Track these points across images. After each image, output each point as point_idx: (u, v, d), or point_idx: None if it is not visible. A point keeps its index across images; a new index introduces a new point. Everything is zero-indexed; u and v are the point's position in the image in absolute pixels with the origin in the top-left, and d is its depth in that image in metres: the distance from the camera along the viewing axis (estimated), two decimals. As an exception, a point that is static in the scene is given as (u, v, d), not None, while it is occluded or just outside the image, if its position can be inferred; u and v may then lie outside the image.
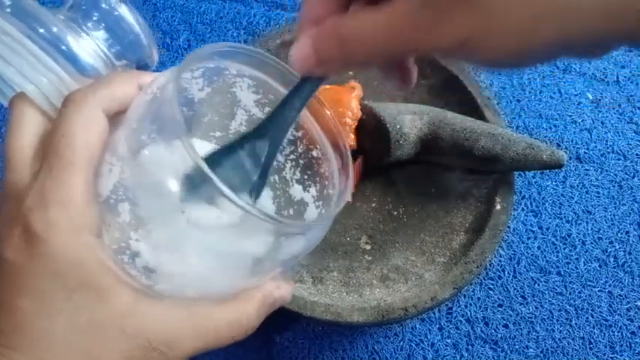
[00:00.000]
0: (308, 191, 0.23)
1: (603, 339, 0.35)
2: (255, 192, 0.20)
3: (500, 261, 0.37)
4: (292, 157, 0.24)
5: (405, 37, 0.15)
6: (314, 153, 0.23)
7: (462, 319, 0.36)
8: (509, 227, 0.38)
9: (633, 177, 0.40)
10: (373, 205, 0.36)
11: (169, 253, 0.18)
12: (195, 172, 0.16)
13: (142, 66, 0.23)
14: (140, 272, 0.18)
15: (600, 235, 0.38)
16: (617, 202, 0.39)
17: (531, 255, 0.38)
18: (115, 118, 0.19)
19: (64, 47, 0.20)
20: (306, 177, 0.24)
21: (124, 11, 0.22)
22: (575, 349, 0.35)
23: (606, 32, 0.13)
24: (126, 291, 0.18)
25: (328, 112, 0.22)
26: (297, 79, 0.20)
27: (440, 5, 0.14)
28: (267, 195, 0.23)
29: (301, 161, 0.23)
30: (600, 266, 0.37)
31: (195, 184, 0.17)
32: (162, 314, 0.18)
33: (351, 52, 0.16)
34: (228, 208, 0.16)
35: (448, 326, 0.35)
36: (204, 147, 0.22)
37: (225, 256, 0.19)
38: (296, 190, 0.24)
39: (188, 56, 0.18)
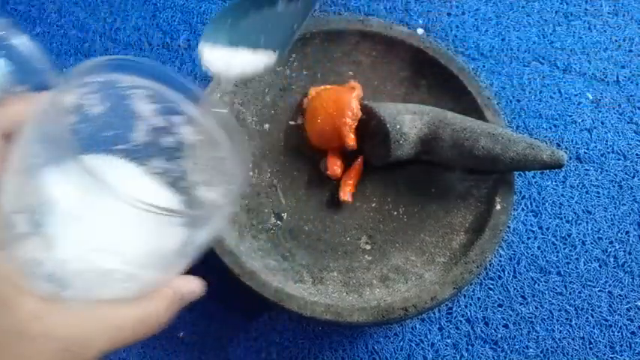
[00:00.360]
0: (214, 192, 0.24)
1: (603, 339, 0.35)
2: (281, 48, 0.22)
3: (500, 261, 0.37)
4: (197, 161, 0.24)
5: None
6: (217, 154, 0.23)
7: (462, 319, 0.36)
8: (509, 227, 0.38)
9: (633, 177, 0.40)
10: (373, 205, 0.36)
11: (72, 261, 0.19)
12: (86, 179, 0.17)
13: (44, 88, 0.24)
14: (44, 280, 0.18)
15: (600, 235, 0.38)
16: (617, 202, 0.39)
17: (531, 255, 0.38)
18: (11, 137, 0.20)
19: None
20: (210, 177, 0.24)
21: (17, 41, 0.23)
22: (575, 349, 0.35)
23: None
24: (31, 299, 0.18)
25: (225, 111, 0.23)
26: (189, 87, 0.22)
27: None
28: (174, 199, 0.24)
29: (207, 164, 0.24)
30: (600, 266, 0.37)
31: (89, 191, 0.18)
32: (71, 317, 0.19)
33: None
34: (123, 209, 0.17)
35: (448, 326, 0.35)
36: (108, 161, 0.23)
37: (130, 257, 0.19)
38: (202, 192, 0.24)
39: (72, 71, 0.19)
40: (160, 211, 0.17)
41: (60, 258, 0.18)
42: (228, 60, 0.25)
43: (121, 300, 0.20)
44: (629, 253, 0.38)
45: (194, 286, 0.22)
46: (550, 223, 0.39)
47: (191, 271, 0.22)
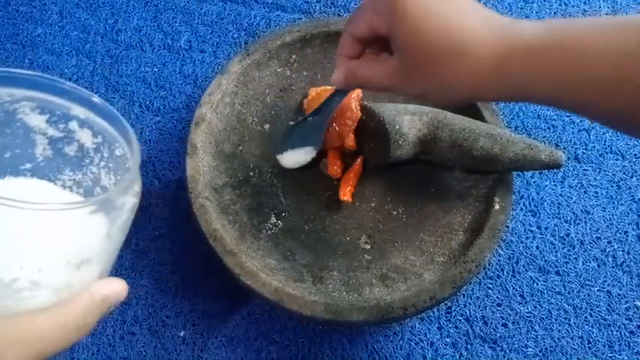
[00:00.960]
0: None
1: (602, 338, 0.35)
2: (317, 144, 0.35)
3: (499, 260, 0.38)
4: (102, 164, 0.24)
5: (390, 86, 0.27)
6: (117, 152, 0.23)
7: (461, 318, 0.36)
8: (507, 227, 0.38)
9: (631, 177, 0.40)
10: (373, 205, 0.36)
11: None
12: None
13: None
14: None
15: (599, 235, 0.38)
16: (616, 202, 0.40)
17: (530, 254, 0.38)
18: None
19: None
20: (119, 176, 0.24)
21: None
22: (574, 348, 0.35)
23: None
24: None
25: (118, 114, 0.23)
26: (65, 86, 0.22)
27: (407, 73, 0.26)
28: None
29: (111, 164, 0.24)
30: (599, 266, 0.37)
31: None
32: None
33: (363, 85, 0.29)
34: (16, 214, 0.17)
35: (447, 325, 0.36)
36: (22, 183, 0.23)
37: (27, 262, 0.19)
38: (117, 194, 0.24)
39: None
40: (33, 206, 0.17)
41: None
42: (293, 159, 0.37)
43: (33, 310, 0.19)
44: (628, 253, 0.38)
45: (115, 287, 0.21)
46: (549, 222, 0.39)
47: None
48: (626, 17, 0.21)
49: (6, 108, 0.22)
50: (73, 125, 0.23)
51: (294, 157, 0.36)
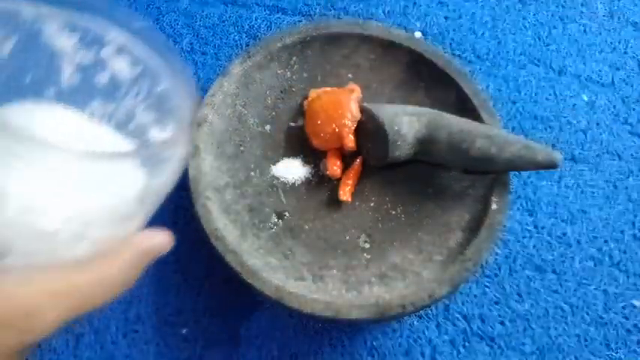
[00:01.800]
0: (166, 130, 0.21)
1: (599, 337, 0.36)
2: None
3: (496, 259, 0.38)
4: (140, 97, 0.21)
5: None
6: (159, 87, 0.20)
7: (458, 316, 0.36)
8: (505, 226, 0.38)
9: (628, 177, 0.41)
10: (372, 204, 0.37)
11: (8, 224, 0.16)
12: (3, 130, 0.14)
13: None
14: None
15: (595, 235, 0.39)
16: (612, 202, 0.40)
17: (527, 253, 0.38)
18: None
19: None
20: (160, 116, 0.21)
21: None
22: (571, 347, 0.36)
23: None
24: None
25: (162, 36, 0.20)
26: (113, 7, 0.19)
27: None
28: (123, 144, 0.21)
29: (150, 100, 0.21)
30: (595, 265, 0.38)
31: (10, 144, 0.15)
32: (11, 288, 0.16)
33: None
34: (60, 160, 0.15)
35: (445, 323, 0.36)
36: (46, 110, 0.20)
37: (72, 214, 0.17)
38: (154, 133, 0.21)
39: None
40: (94, 157, 0.15)
41: None
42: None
43: (72, 263, 0.17)
44: (624, 252, 0.38)
45: (160, 239, 0.20)
46: (545, 222, 0.39)
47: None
48: None
49: (30, 26, 0.19)
50: (108, 51, 0.20)
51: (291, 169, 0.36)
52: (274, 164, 0.38)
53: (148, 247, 0.19)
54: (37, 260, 0.17)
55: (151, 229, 0.20)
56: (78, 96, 0.21)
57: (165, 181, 0.19)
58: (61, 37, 0.20)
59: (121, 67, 0.20)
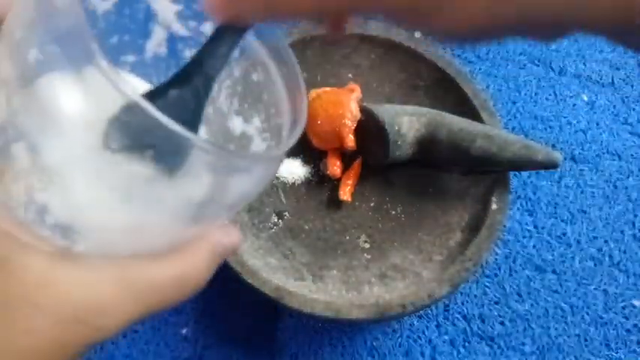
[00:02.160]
0: (251, 122, 0.19)
1: (599, 336, 0.36)
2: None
3: (496, 259, 0.38)
4: (228, 83, 0.19)
5: None
6: (254, 77, 0.18)
7: (458, 316, 0.36)
8: (505, 226, 0.38)
9: (628, 177, 0.41)
10: (372, 204, 0.37)
11: (86, 203, 0.14)
12: (117, 102, 0.12)
13: None
14: (52, 231, 0.14)
15: (595, 234, 0.39)
16: (612, 202, 0.40)
17: (527, 253, 0.38)
18: None
19: None
20: (246, 106, 0.19)
21: None
22: (571, 347, 0.36)
23: (566, 16, 0.14)
24: (37, 258, 0.14)
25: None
26: None
27: None
28: (200, 132, 0.18)
29: (239, 88, 0.19)
30: (595, 265, 0.38)
31: (118, 118, 0.13)
32: (86, 278, 0.15)
33: (277, 8, 0.15)
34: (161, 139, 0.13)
35: (445, 323, 0.36)
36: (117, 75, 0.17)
37: (159, 200, 0.15)
38: (235, 123, 0.19)
39: None
40: (220, 151, 0.13)
41: (71, 203, 0.14)
42: None
43: (149, 256, 0.16)
44: (624, 252, 0.38)
45: (234, 238, 0.18)
46: (545, 222, 0.39)
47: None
48: None
49: None
50: (207, 27, 0.18)
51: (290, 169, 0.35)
52: None
53: (224, 246, 0.18)
54: (113, 249, 0.15)
55: (225, 226, 0.19)
56: (158, 68, 0.19)
57: (254, 187, 0.17)
58: (164, 1, 0.18)
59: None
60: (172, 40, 0.19)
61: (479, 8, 0.13)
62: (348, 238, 0.36)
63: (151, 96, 0.16)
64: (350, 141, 0.37)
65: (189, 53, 0.19)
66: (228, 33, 0.16)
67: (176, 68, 0.17)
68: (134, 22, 0.18)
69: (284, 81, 0.18)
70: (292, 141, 0.17)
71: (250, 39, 0.18)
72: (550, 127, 0.43)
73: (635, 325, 0.36)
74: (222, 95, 0.19)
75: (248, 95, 0.19)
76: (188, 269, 0.17)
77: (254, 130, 0.19)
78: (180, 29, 0.18)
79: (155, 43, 0.19)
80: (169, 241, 0.16)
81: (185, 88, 0.16)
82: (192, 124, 0.17)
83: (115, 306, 0.15)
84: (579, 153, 0.42)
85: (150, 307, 0.16)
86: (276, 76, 0.18)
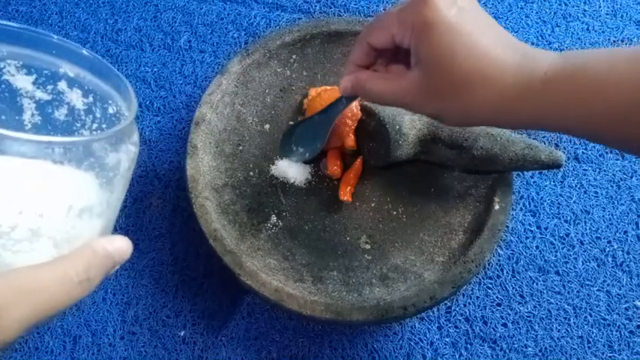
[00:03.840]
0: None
1: (602, 338, 0.35)
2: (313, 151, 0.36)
3: (498, 260, 0.38)
4: (95, 126, 0.22)
5: (404, 102, 0.26)
6: (110, 110, 0.22)
7: (460, 318, 0.36)
8: (507, 227, 0.38)
9: (631, 177, 0.41)
10: (373, 205, 0.36)
11: None
12: None
13: None
14: None
15: (598, 235, 0.38)
16: (615, 202, 0.40)
17: (530, 254, 0.38)
18: None
19: None
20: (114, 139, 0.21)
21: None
22: (574, 348, 0.35)
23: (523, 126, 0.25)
24: None
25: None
26: (53, 39, 0.20)
27: (426, 91, 0.25)
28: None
29: (104, 125, 0.22)
30: (598, 266, 0.38)
31: None
32: None
33: (373, 98, 0.28)
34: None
35: (447, 325, 0.36)
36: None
37: (38, 203, 0.17)
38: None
39: None
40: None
41: None
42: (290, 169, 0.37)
43: (33, 263, 0.17)
44: (628, 253, 0.38)
45: (118, 244, 0.20)
46: (548, 222, 0.39)
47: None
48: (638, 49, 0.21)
49: None
50: (62, 86, 0.21)
51: (291, 169, 0.37)
52: (273, 164, 0.38)
53: (107, 251, 0.20)
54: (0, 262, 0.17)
55: (112, 235, 0.21)
56: (41, 133, 0.21)
57: (121, 176, 0.19)
58: (20, 76, 0.20)
59: (76, 98, 0.21)
60: (40, 105, 0.21)
61: (456, 121, 0.26)
62: (348, 238, 0.35)
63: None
64: (350, 140, 0.36)
65: (58, 113, 0.21)
66: (344, 99, 0.33)
67: (52, 131, 0.21)
68: (4, 102, 0.20)
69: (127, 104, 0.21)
70: (126, 122, 0.19)
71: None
72: (553, 126, 0.42)
73: (639, 327, 0.36)
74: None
75: (112, 126, 0.21)
76: (70, 271, 0.18)
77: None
78: (42, 95, 0.21)
79: (29, 115, 0.21)
80: (52, 250, 0.18)
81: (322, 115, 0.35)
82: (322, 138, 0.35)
83: (6, 309, 0.16)
84: (582, 153, 0.41)
85: (39, 308, 0.17)
86: (123, 103, 0.21)
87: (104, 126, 0.22)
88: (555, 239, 0.38)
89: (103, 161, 0.19)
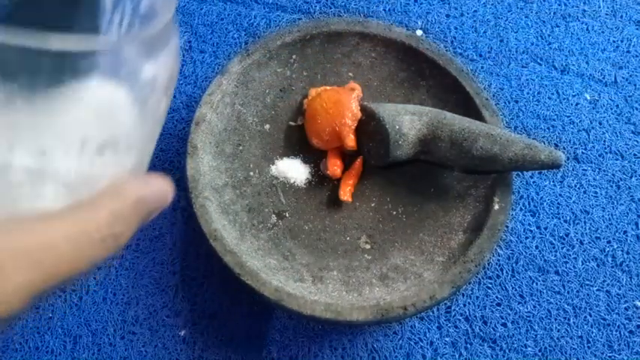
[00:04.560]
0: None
1: (601, 338, 0.35)
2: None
3: (498, 260, 0.38)
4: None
5: None
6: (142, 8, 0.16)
7: (460, 317, 0.36)
8: (507, 227, 0.38)
9: (631, 177, 0.41)
10: (373, 204, 0.36)
11: None
12: None
13: None
14: None
15: (598, 235, 0.39)
16: (615, 202, 0.40)
17: (529, 254, 0.38)
18: None
19: None
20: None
21: None
22: (574, 348, 0.35)
23: None
24: None
25: None
26: None
27: None
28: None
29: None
30: (598, 265, 0.38)
31: None
32: None
33: None
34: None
35: (447, 325, 0.36)
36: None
37: (37, 135, 0.13)
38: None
39: None
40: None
41: None
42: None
43: (40, 215, 0.13)
44: (627, 253, 0.38)
45: (156, 186, 0.15)
46: (548, 222, 0.39)
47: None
48: None
49: None
50: None
51: (291, 169, 0.37)
52: (273, 164, 0.38)
53: (139, 196, 0.15)
54: None
55: (147, 176, 0.16)
56: None
57: (153, 101, 0.14)
58: None
59: None
60: None
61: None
62: (348, 238, 0.35)
63: None
64: (350, 140, 0.36)
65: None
66: None
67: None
68: None
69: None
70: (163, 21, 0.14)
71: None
72: (553, 126, 0.42)
73: (638, 327, 0.36)
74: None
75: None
76: (90, 225, 0.14)
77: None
78: None
79: None
80: (63, 195, 0.14)
81: None
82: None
83: (9, 272, 0.13)
84: (582, 153, 0.41)
85: (51, 270, 0.13)
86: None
87: (136, 25, 0.16)
88: (555, 239, 0.38)
89: (136, 75, 0.14)
